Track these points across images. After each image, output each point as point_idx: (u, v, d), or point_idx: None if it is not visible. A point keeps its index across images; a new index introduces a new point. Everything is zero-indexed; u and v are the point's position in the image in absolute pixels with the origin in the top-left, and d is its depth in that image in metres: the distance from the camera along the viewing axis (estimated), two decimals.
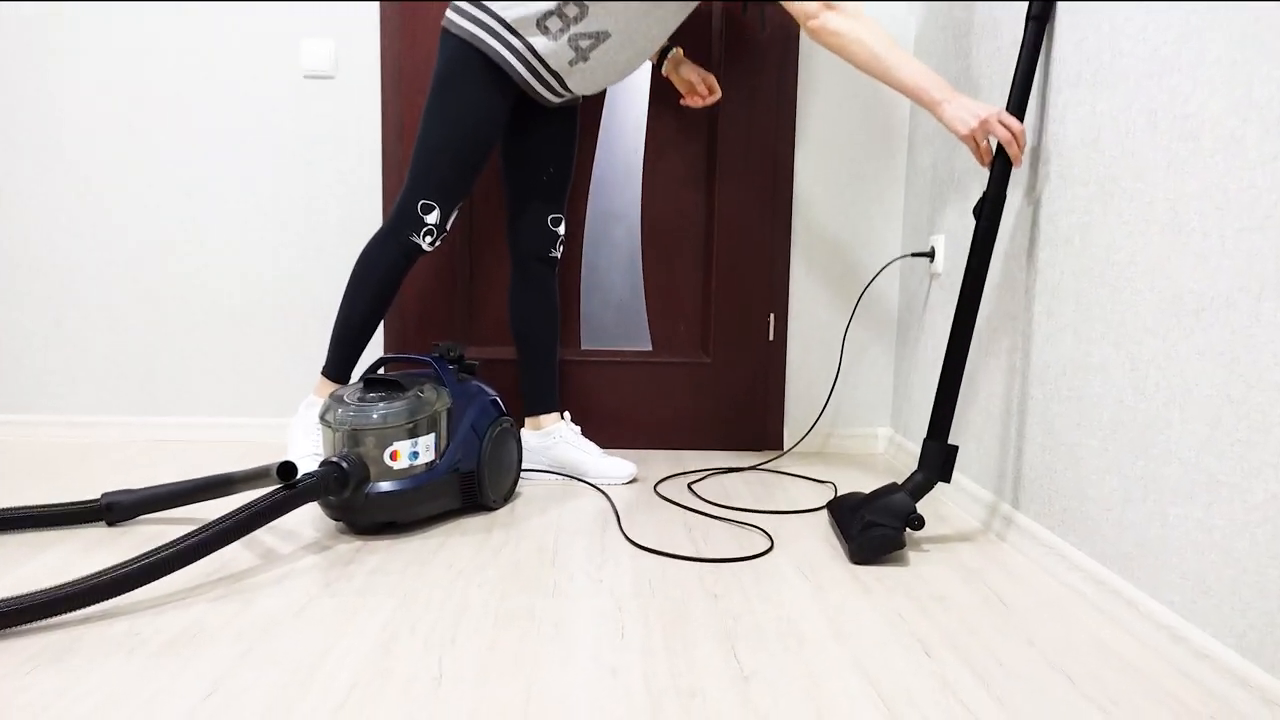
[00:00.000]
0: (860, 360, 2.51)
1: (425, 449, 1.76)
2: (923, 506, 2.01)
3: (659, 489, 2.10)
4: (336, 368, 1.98)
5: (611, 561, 1.62)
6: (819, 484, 2.19)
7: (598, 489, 2.09)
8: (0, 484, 2.03)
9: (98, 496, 1.74)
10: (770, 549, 1.70)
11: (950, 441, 2.12)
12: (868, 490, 2.12)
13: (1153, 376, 1.32)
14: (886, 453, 2.51)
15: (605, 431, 2.49)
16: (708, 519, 1.89)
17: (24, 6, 2.38)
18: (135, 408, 2.50)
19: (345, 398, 1.74)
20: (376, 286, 1.94)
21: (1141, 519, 1.34)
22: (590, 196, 2.46)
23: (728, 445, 2.51)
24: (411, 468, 1.73)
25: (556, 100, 2.00)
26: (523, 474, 2.20)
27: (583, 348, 2.50)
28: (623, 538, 1.75)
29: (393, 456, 1.71)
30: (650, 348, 2.51)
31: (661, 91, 2.42)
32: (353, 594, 1.44)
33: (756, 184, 2.43)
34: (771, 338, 2.49)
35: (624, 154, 2.44)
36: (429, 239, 1.93)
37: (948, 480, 1.72)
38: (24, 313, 2.46)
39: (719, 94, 2.21)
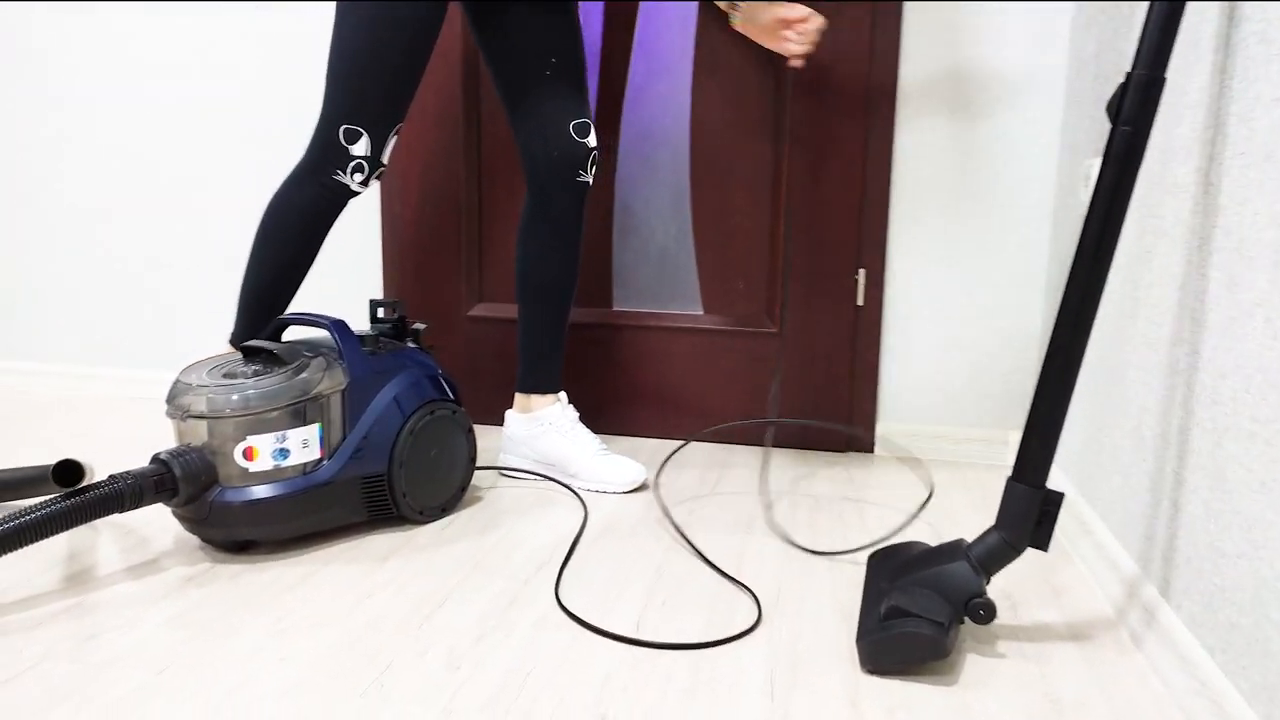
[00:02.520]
0: (987, 336, 1.82)
1: (302, 444, 1.31)
2: (1023, 570, 1.35)
3: (665, 504, 1.56)
4: (244, 339, 1.55)
5: (501, 633, 1.11)
6: (905, 511, 1.56)
7: (581, 500, 1.57)
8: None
9: None
10: (750, 629, 1.13)
11: (1067, 478, 1.42)
12: (973, 529, 1.47)
13: None
14: None
15: (635, 417, 1.96)
16: (696, 563, 1.33)
17: None
18: (125, 360, 2.23)
19: (206, 373, 1.33)
20: (293, 242, 1.48)
21: None
22: (624, 114, 1.90)
23: (799, 442, 1.91)
24: (277, 470, 1.29)
25: None
26: (510, 474, 1.72)
27: (614, 309, 1.97)
28: (551, 593, 1.23)
29: (248, 455, 1.27)
30: (700, 310, 1.94)
31: None
32: (97, 665, 1.02)
33: (844, 90, 1.78)
34: (861, 301, 1.85)
35: (668, 56, 1.86)
36: (358, 176, 1.44)
37: (1042, 547, 1.07)
38: (24, 257, 2.25)
39: (818, 21, 1.51)
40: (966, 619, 1.07)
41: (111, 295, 2.22)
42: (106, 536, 1.38)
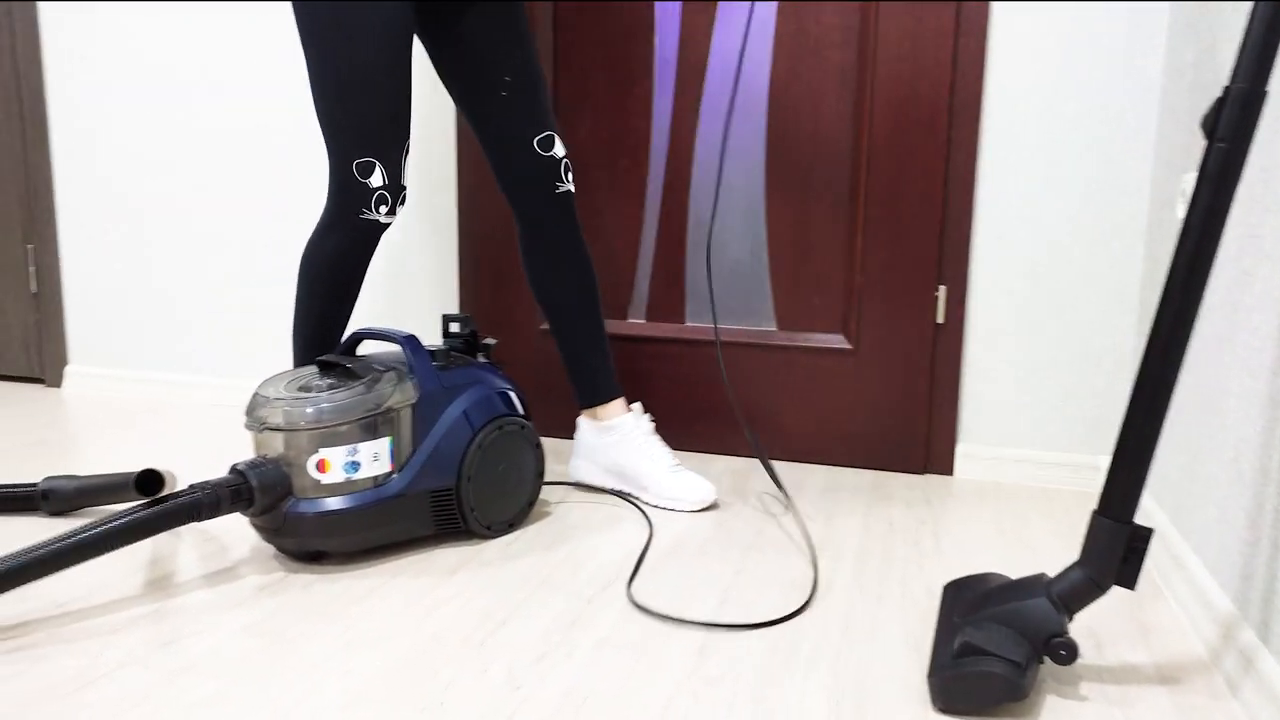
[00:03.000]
0: (1076, 356, 1.75)
1: (372, 458, 1.33)
2: (1109, 605, 1.28)
3: (737, 523, 1.53)
4: None
5: (563, 652, 1.10)
6: (983, 540, 1.51)
7: (647, 518, 1.56)
8: (80, 440, 1.89)
9: (37, 481, 1.51)
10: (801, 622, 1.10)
11: (1159, 506, 1.35)
12: (1045, 567, 1.41)
13: None
14: None
15: (705, 435, 1.94)
16: (765, 587, 1.30)
17: None
18: (212, 369, 2.31)
19: (283, 386, 1.36)
20: (336, 286, 1.48)
21: None
22: (700, 126, 1.88)
23: (874, 462, 1.86)
24: (349, 482, 1.31)
25: None
26: (580, 487, 1.71)
27: (686, 323, 1.95)
28: (614, 613, 1.22)
29: (320, 467, 1.30)
30: (774, 326, 1.91)
31: None
32: (171, 672, 1.05)
33: (927, 100, 1.73)
34: (941, 319, 1.79)
35: (745, 67, 1.84)
36: (383, 208, 1.43)
37: (1129, 585, 1.02)
38: (119, 265, 2.34)
39: None
40: (1046, 659, 1.02)
41: (200, 306, 2.30)
42: (188, 542, 1.43)
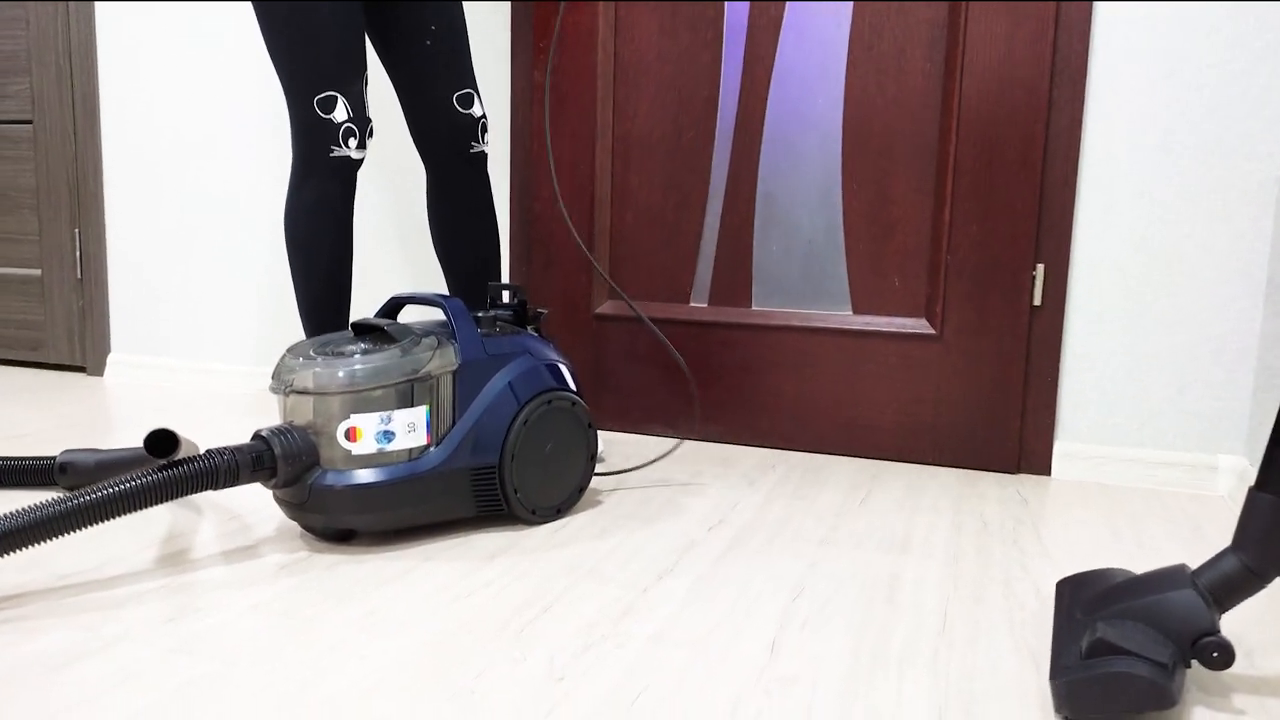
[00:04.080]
0: (1192, 344, 1.56)
1: (408, 428, 1.20)
2: (1264, 604, 1.09)
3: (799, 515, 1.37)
4: None
5: (611, 644, 0.96)
6: (1093, 540, 1.32)
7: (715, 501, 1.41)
8: (116, 427, 1.80)
9: (54, 455, 1.41)
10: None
11: None
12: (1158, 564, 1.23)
13: None
14: (1233, 498, 1.54)
15: (775, 428, 1.78)
16: (843, 582, 1.14)
17: None
18: (270, 359, 2.22)
19: (313, 349, 1.24)
20: (326, 241, 1.43)
21: None
22: (770, 96, 1.74)
23: (961, 460, 1.68)
24: (381, 454, 1.19)
25: None
26: (627, 473, 1.57)
27: (753, 307, 1.80)
28: (673, 606, 1.07)
29: (350, 435, 1.17)
30: (849, 310, 1.75)
31: None
32: (167, 649, 0.93)
33: (1022, 60, 1.57)
34: (1039, 301, 1.62)
35: (821, 31, 1.70)
36: (352, 141, 1.39)
37: None
38: (165, 253, 2.28)
39: None
40: (1194, 662, 0.84)
41: (244, 295, 2.22)
42: (209, 519, 1.31)
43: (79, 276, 2.37)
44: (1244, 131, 1.50)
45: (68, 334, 2.40)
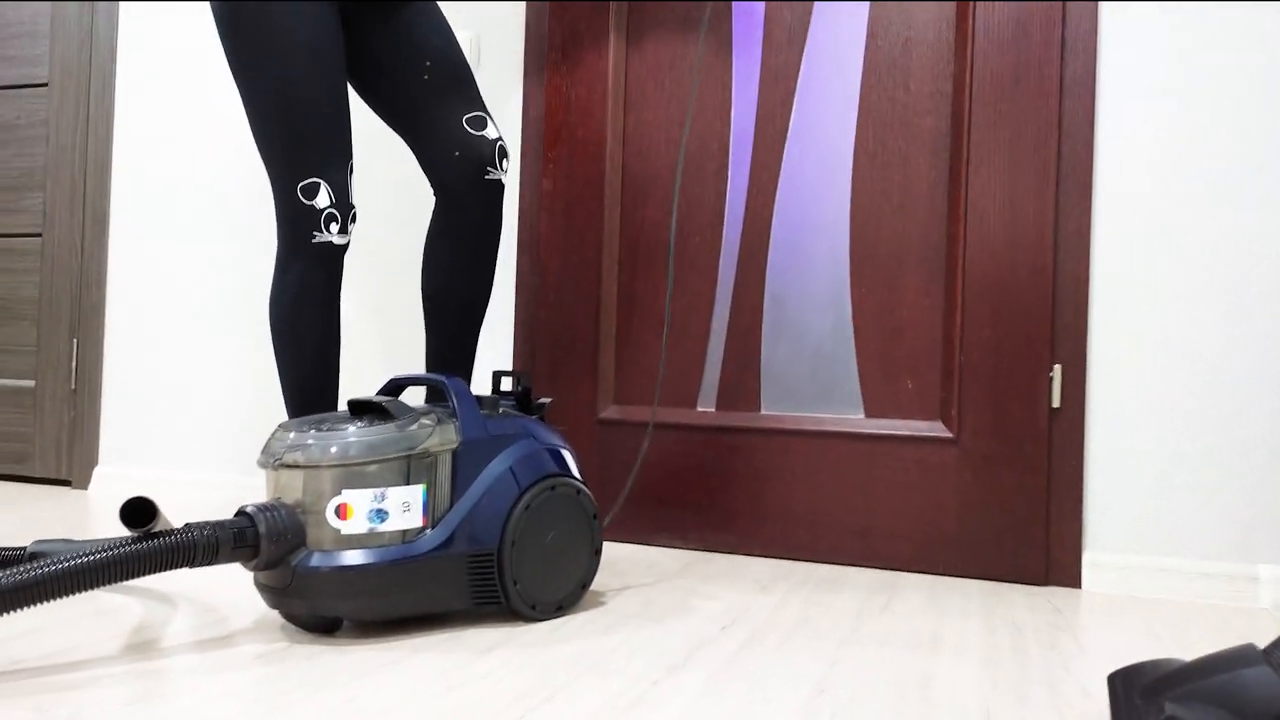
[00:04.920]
0: (1227, 445, 1.50)
1: (402, 507, 1.13)
2: None
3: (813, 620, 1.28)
4: None
5: None
6: (1134, 648, 1.22)
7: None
8: (99, 531, 1.71)
9: (26, 545, 1.33)
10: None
11: None
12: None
13: None
14: (1278, 610, 1.45)
15: (790, 536, 1.70)
16: (869, 682, 1.04)
17: None
18: (259, 470, 2.15)
19: (307, 424, 1.18)
20: (312, 327, 1.38)
21: None
22: (777, 201, 1.75)
23: (984, 571, 1.59)
24: (373, 534, 1.11)
25: None
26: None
27: (762, 411, 1.75)
28: (687, 698, 0.97)
29: (341, 513, 1.10)
30: (861, 413, 1.70)
31: (880, 49, 1.69)
32: None
33: (1028, 168, 1.59)
34: (1057, 403, 1.57)
35: (826, 139, 1.73)
36: (334, 226, 1.35)
37: None
38: (160, 362, 2.24)
39: None
40: None
41: (240, 406, 2.17)
42: (183, 611, 1.22)
43: (73, 388, 2.32)
44: (1253, 229, 1.50)
45: (55, 446, 2.34)
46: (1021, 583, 1.57)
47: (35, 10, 2.40)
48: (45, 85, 2.39)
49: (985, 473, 1.60)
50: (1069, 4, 1.59)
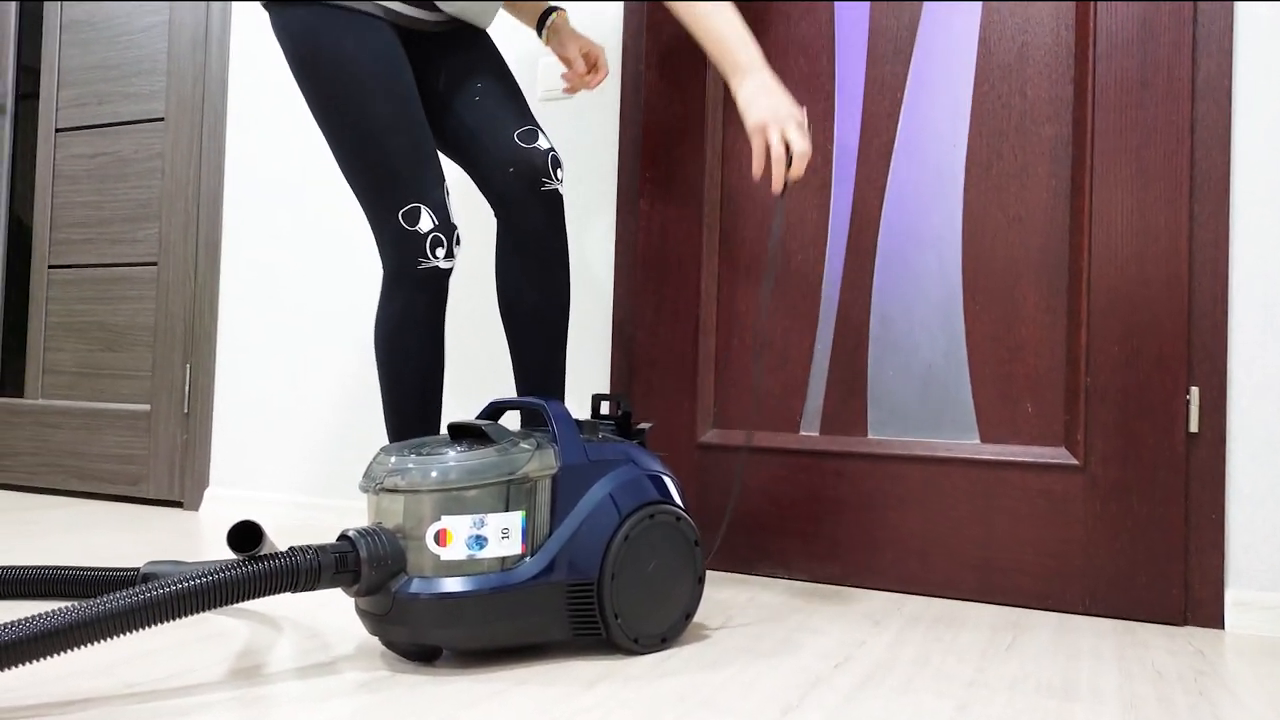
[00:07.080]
0: None
1: (501, 534, 1.10)
2: None
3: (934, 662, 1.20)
4: None
5: None
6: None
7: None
8: (210, 552, 1.75)
9: (139, 565, 1.35)
10: None
11: None
12: None
13: None
14: None
15: (901, 569, 1.61)
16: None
17: None
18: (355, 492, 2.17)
19: (408, 448, 1.17)
20: (417, 352, 1.38)
21: None
22: (884, 216, 1.69)
23: (1115, 610, 1.48)
24: (472, 561, 1.09)
25: (433, 19, 1.45)
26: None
27: (869, 436, 1.68)
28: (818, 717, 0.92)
29: (440, 539, 1.08)
30: (977, 438, 1.61)
31: (994, 54, 1.62)
32: None
33: (1157, 176, 1.49)
34: (1195, 428, 1.46)
35: (937, 149, 1.65)
36: (440, 250, 1.35)
37: None
38: (271, 385, 2.29)
39: (603, 73, 1.66)
40: None
41: (348, 428, 2.20)
42: (288, 636, 1.22)
43: (185, 411, 2.39)
44: None
45: (169, 469, 2.41)
46: (1156, 622, 1.46)
47: (154, 49, 2.51)
48: (161, 120, 2.49)
49: (1115, 503, 1.49)
50: (1200, 4, 1.49)
